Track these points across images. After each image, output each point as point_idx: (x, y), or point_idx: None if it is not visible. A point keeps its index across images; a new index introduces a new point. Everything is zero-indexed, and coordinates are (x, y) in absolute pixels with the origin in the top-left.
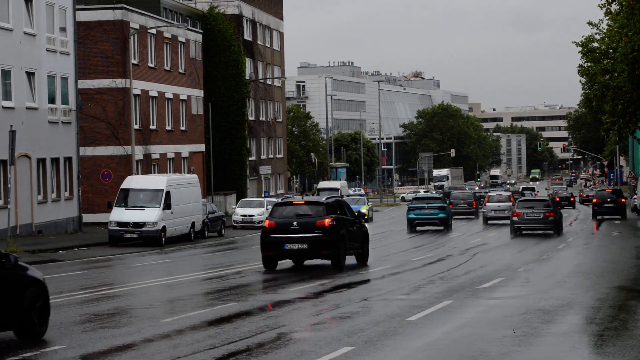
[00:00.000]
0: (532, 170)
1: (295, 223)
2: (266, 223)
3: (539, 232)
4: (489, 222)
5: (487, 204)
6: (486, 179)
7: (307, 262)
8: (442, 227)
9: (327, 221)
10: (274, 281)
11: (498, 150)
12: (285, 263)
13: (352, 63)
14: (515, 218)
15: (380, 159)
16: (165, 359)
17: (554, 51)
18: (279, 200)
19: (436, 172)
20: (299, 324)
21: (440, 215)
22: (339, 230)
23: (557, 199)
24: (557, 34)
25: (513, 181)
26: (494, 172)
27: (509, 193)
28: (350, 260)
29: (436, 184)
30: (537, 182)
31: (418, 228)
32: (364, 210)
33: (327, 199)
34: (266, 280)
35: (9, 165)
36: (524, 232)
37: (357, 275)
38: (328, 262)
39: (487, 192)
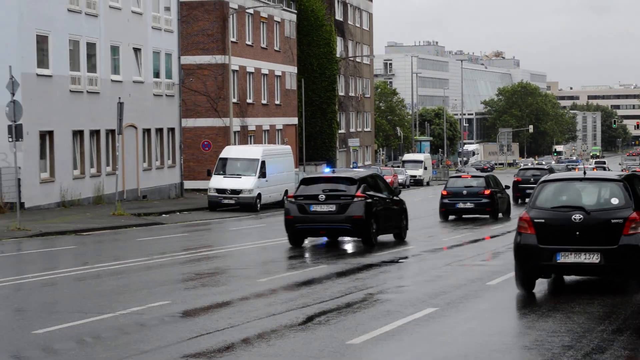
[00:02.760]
0: (593, 148)
1: (464, 192)
2: (443, 192)
3: None
4: None
5: None
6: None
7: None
8: None
9: (487, 192)
10: (361, 247)
11: (574, 127)
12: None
13: (437, 43)
14: None
15: (462, 133)
16: (261, 315)
17: (629, 32)
18: (452, 175)
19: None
20: (385, 285)
21: None
22: (495, 197)
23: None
24: (632, 15)
25: (574, 157)
26: (558, 148)
27: (592, 166)
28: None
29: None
30: (597, 159)
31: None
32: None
33: (487, 175)
34: (355, 246)
35: (117, 134)
36: None
37: (443, 243)
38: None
39: (577, 165)
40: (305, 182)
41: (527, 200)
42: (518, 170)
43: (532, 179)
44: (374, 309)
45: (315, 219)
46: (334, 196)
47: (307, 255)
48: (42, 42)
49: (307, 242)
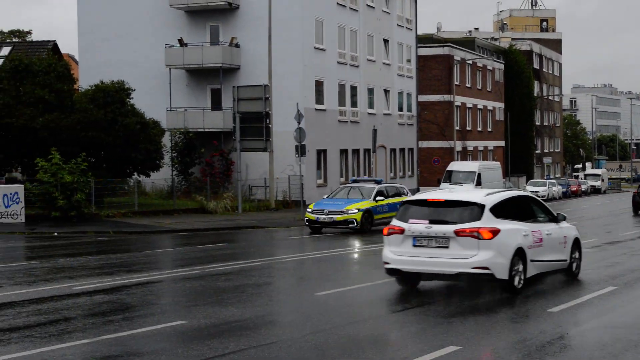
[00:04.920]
0: None
1: None
2: (635, 192)
3: None
4: None
5: None
6: None
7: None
8: None
9: None
10: None
11: None
12: None
13: (611, 85)
14: None
15: (631, 154)
16: (478, 287)
17: None
18: None
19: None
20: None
21: None
22: None
23: None
24: None
25: None
26: None
27: None
28: None
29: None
30: None
31: None
32: (353, 209)
33: None
34: None
35: (372, 152)
36: None
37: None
38: None
39: None
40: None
41: None
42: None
43: None
44: (567, 286)
45: None
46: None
47: None
48: (318, 85)
49: None
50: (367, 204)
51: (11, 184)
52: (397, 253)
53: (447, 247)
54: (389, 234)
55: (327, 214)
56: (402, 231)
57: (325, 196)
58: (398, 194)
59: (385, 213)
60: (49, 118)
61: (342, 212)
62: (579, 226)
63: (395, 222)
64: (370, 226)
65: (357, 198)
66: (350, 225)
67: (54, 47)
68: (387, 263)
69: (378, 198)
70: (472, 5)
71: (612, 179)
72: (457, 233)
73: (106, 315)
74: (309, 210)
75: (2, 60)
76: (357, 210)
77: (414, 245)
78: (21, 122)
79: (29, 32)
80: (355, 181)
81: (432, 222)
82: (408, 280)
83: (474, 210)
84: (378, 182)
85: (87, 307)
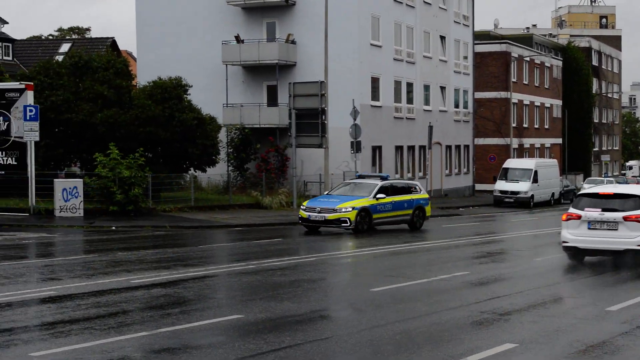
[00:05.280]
0: None
1: None
2: None
3: None
4: None
5: None
6: None
7: None
8: None
9: None
10: None
11: None
12: None
13: None
14: None
15: None
16: (538, 285)
17: None
18: None
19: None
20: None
21: None
22: None
23: None
24: None
25: None
26: None
27: None
28: None
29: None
30: None
31: None
32: (347, 208)
33: None
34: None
35: (427, 149)
36: None
37: None
38: None
39: None
40: None
41: None
42: None
43: None
44: (627, 283)
45: None
46: None
47: None
48: (374, 82)
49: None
50: (364, 202)
51: (70, 178)
52: (574, 234)
53: (616, 230)
54: (568, 219)
55: (319, 212)
56: (578, 217)
57: (326, 192)
58: (407, 191)
59: (388, 212)
60: (108, 114)
61: (334, 211)
62: None
63: (572, 210)
64: (367, 226)
65: (357, 195)
66: (343, 224)
67: (112, 43)
68: (566, 242)
69: (379, 196)
70: (529, 2)
71: None
72: (625, 219)
73: (164, 308)
74: (302, 207)
75: (63, 56)
76: (351, 209)
77: (589, 228)
78: (80, 118)
79: (88, 29)
80: (360, 177)
81: (604, 210)
82: (580, 256)
83: (637, 201)
84: (384, 178)
85: (145, 300)
